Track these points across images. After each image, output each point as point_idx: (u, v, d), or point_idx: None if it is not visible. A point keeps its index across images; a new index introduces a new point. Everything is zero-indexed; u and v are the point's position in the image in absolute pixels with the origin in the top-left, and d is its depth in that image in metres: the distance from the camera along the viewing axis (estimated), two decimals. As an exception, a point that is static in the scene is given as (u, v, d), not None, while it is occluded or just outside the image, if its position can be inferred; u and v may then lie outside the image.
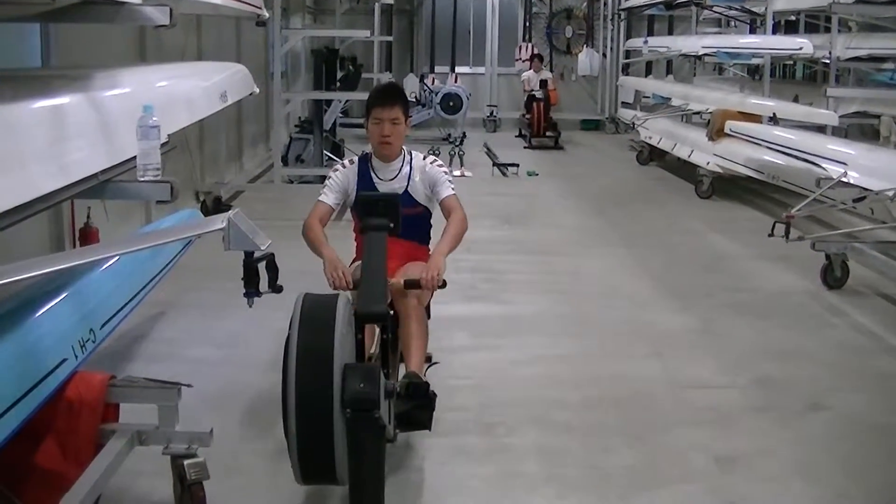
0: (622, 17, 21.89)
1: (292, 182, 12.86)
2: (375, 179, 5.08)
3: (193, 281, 7.61)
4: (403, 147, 5.21)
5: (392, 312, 4.53)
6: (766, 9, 13.86)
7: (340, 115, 15.15)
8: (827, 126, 11.95)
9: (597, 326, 7.22)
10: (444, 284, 4.60)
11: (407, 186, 5.06)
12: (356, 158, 5.25)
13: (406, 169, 5.13)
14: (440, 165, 5.19)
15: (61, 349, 4.04)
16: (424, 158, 5.22)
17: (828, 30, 14.78)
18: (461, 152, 15.70)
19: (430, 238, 5.26)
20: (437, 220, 5.25)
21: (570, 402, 5.73)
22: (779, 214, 8.89)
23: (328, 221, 5.01)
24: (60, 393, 3.97)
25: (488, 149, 17.39)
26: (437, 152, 15.57)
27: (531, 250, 9.78)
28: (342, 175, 5.11)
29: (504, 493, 4.63)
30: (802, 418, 5.58)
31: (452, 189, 5.08)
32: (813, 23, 17.27)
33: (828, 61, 14.01)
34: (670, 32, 21.17)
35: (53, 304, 4.24)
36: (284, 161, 12.95)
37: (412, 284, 4.59)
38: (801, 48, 13.07)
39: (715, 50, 14.90)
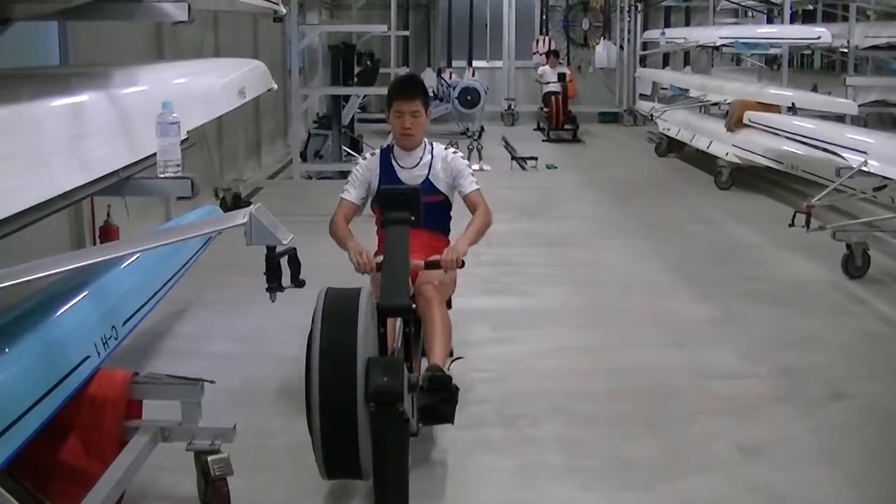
0: (639, 8, 21.84)
1: (311, 178, 12.88)
2: (397, 167, 5.18)
3: (214, 277, 7.62)
4: (425, 139, 5.32)
5: (414, 306, 4.51)
6: (783, -2, 13.82)
7: (358, 110, 15.18)
8: (846, 115, 11.90)
9: (617, 317, 7.20)
10: (462, 264, 4.77)
11: (428, 174, 5.19)
12: (378, 151, 5.35)
13: (427, 157, 5.25)
14: (462, 157, 5.32)
15: (84, 346, 4.04)
16: (446, 149, 5.35)
17: (846, 18, 14.74)
18: (479, 146, 15.69)
19: (449, 227, 5.32)
20: (457, 210, 5.35)
21: (592, 393, 5.72)
22: (799, 204, 8.84)
23: (353, 217, 5.15)
24: (83, 390, 3.97)
25: (507, 142, 17.39)
26: (455, 146, 15.65)
27: (551, 242, 9.77)
28: (364, 168, 5.24)
29: (527, 484, 4.61)
30: (824, 407, 5.55)
31: (476, 184, 5.21)
32: (831, 11, 17.22)
33: (846, 50, 13.98)
34: (687, 23, 21.11)
35: (75, 302, 4.25)
36: (303, 157, 12.98)
37: (433, 265, 4.76)
38: (819, 37, 13.05)
39: (732, 40, 14.86)
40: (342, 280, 4.35)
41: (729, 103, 13.73)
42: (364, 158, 5.36)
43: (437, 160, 5.25)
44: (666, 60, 20.85)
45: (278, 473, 4.65)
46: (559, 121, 18.91)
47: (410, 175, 5.15)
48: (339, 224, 5.03)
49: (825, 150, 9.43)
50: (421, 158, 5.23)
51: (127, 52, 8.36)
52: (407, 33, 20.84)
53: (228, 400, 5.19)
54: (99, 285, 4.48)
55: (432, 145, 5.32)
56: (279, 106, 15.14)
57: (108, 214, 6.85)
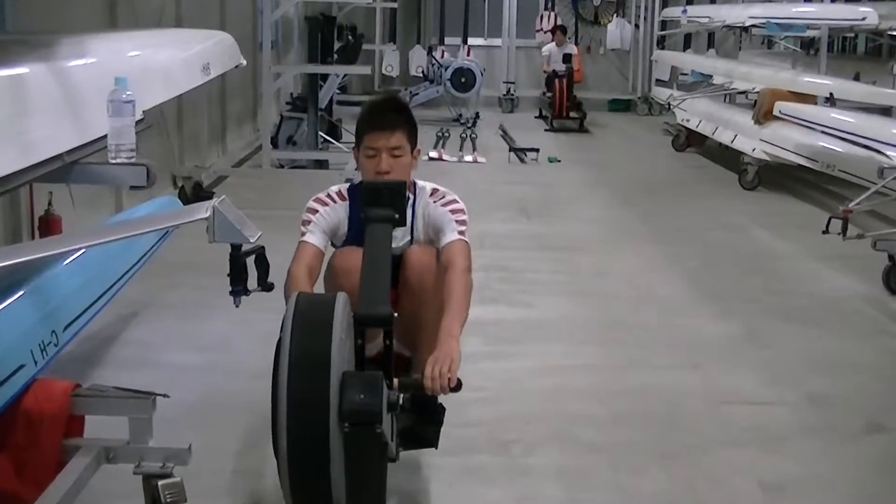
0: (658, -18, 21.89)
1: (282, 167, 12.87)
2: None
3: (171, 277, 7.63)
4: (409, 190, 4.61)
5: (396, 315, 4.50)
6: (823, -27, 13.85)
7: (338, 91, 15.17)
8: (892, 108, 11.91)
9: (626, 333, 7.21)
10: (458, 386, 4.00)
11: (411, 239, 4.61)
12: (346, 191, 4.66)
13: (409, 214, 4.56)
14: (448, 203, 4.60)
15: (18, 354, 4.03)
16: (432, 194, 4.64)
17: (896, -3, 14.74)
18: (474, 135, 15.71)
19: None
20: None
21: (596, 417, 5.73)
22: (834, 208, 8.87)
23: (319, 272, 4.47)
24: (17, 403, 3.96)
25: (504, 131, 17.42)
26: (446, 135, 15.67)
27: (552, 246, 9.79)
28: (332, 213, 4.58)
29: (520, 520, 4.63)
30: (859, 440, 5.56)
31: (460, 233, 4.49)
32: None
33: (895, 33, 13.96)
34: (713, 0, 21.15)
35: (9, 303, 4.23)
36: (274, 143, 12.94)
37: (410, 386, 4.05)
38: (864, 18, 13.03)
39: (764, 20, 14.84)
40: (316, 284, 4.35)
41: (757, 92, 13.75)
42: (331, 199, 4.61)
43: (419, 217, 4.58)
44: (687, 42, 20.84)
45: (239, 501, 4.65)
46: (563, 108, 18.91)
47: None
48: (300, 281, 4.22)
49: (867, 147, 9.45)
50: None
51: (75, 19, 8.35)
52: (395, 5, 20.79)
53: (184, 417, 5.19)
54: (37, 285, 4.47)
55: (415, 193, 4.63)
56: (248, 85, 15.12)
57: (50, 203, 6.84)
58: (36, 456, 4.00)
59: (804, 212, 11.57)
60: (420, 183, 4.70)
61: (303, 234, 4.51)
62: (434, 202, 4.58)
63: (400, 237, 4.50)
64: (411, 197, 4.59)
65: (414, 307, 4.53)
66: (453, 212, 4.54)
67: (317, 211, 4.56)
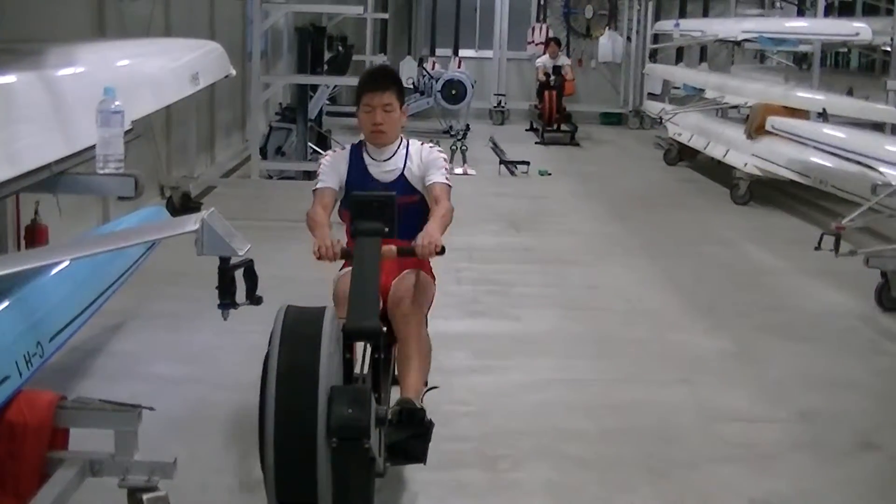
0: (650, -5, 21.91)
1: (271, 177, 12.85)
2: (368, 161, 5.11)
3: (159, 288, 7.60)
4: (402, 136, 5.25)
5: (385, 329, 4.50)
6: (816, -12, 13.86)
7: (327, 102, 15.15)
8: (885, 124, 11.91)
9: (616, 347, 7.21)
10: (443, 250, 4.58)
11: (403, 169, 5.12)
12: (348, 146, 5.29)
13: (402, 151, 5.19)
14: (439, 152, 5.26)
15: (3, 365, 4.01)
16: (422, 144, 5.28)
17: (890, 12, 14.74)
18: (464, 147, 15.70)
19: None
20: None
21: (585, 432, 5.72)
22: (827, 224, 8.87)
23: (334, 205, 5.07)
24: (1, 415, 3.94)
25: (495, 144, 17.42)
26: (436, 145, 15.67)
27: (542, 260, 9.78)
28: (332, 159, 5.20)
29: (508, 536, 4.62)
30: (851, 458, 5.56)
31: (446, 178, 5.11)
32: (873, 4, 17.22)
33: (889, 49, 13.98)
34: (705, 14, 21.13)
35: (-6, 314, 4.23)
36: (263, 153, 12.93)
37: (406, 252, 4.59)
38: (857, 34, 13.02)
39: (756, 35, 14.87)
40: (304, 297, 4.34)
41: (750, 107, 13.75)
42: (333, 151, 5.33)
43: (413, 154, 5.18)
44: (679, 56, 20.85)
45: (224, 516, 4.64)
46: (553, 119, 18.92)
47: (383, 170, 5.09)
48: (318, 213, 4.88)
49: (859, 163, 9.44)
50: (395, 152, 5.15)
51: (63, 27, 8.33)
52: (385, 16, 20.83)
53: (170, 430, 5.16)
54: (23, 295, 4.45)
55: (408, 141, 5.26)
56: (237, 95, 15.10)
57: (37, 213, 6.80)
58: (19, 468, 3.98)
59: (796, 227, 11.59)
60: (409, 139, 5.34)
61: (315, 183, 5.13)
62: (430, 148, 5.28)
63: (391, 167, 5.14)
64: (404, 142, 5.25)
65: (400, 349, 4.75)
66: (444, 160, 5.23)
67: (322, 163, 5.21)
